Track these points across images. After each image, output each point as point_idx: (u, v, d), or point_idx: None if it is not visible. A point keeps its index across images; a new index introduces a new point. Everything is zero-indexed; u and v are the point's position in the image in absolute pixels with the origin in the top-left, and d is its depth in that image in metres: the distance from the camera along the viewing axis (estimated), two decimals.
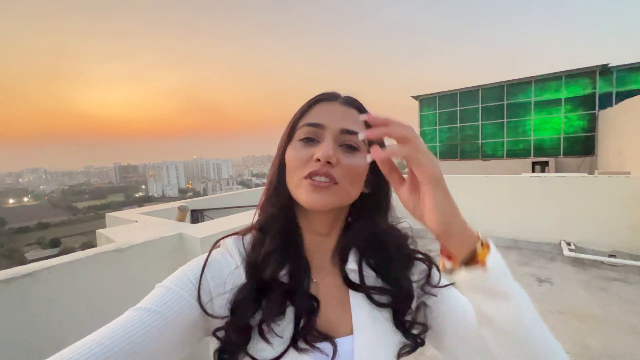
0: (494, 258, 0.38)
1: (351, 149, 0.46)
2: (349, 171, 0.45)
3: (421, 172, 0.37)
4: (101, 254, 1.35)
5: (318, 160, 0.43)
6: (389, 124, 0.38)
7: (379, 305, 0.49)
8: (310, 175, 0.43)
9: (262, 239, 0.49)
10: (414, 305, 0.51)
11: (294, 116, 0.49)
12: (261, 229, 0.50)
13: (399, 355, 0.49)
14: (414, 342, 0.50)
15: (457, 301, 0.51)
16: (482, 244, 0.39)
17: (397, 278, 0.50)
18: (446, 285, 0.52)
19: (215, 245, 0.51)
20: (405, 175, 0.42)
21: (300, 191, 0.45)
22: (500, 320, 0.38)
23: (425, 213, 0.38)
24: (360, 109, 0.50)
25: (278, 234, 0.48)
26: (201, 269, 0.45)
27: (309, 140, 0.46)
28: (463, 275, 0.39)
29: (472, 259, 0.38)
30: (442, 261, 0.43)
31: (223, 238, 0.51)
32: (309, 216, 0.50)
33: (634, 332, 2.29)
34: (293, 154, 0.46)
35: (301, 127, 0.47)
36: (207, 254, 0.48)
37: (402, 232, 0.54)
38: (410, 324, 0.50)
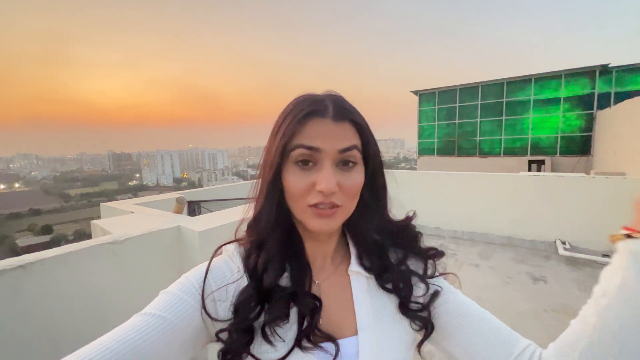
0: None
1: (349, 164, 0.46)
2: (349, 191, 0.46)
3: None
4: (96, 246, 1.31)
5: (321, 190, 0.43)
6: None
7: (385, 289, 0.51)
8: (315, 205, 0.44)
9: (261, 246, 0.48)
10: (420, 292, 0.53)
11: (285, 131, 0.45)
12: (260, 235, 0.49)
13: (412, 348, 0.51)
14: (425, 326, 0.50)
15: (464, 298, 0.52)
16: None
17: (396, 270, 0.53)
18: (443, 274, 0.54)
19: (217, 252, 0.52)
20: None
21: (306, 218, 0.46)
22: None
23: None
24: (352, 119, 0.47)
25: (277, 242, 0.48)
26: (204, 275, 0.47)
27: (306, 163, 0.45)
28: None
29: None
30: (619, 234, 0.45)
31: (225, 244, 0.52)
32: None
33: None
34: (292, 180, 0.45)
35: (296, 147, 0.44)
36: (209, 260, 0.49)
37: (399, 224, 0.55)
38: (417, 309, 0.51)
